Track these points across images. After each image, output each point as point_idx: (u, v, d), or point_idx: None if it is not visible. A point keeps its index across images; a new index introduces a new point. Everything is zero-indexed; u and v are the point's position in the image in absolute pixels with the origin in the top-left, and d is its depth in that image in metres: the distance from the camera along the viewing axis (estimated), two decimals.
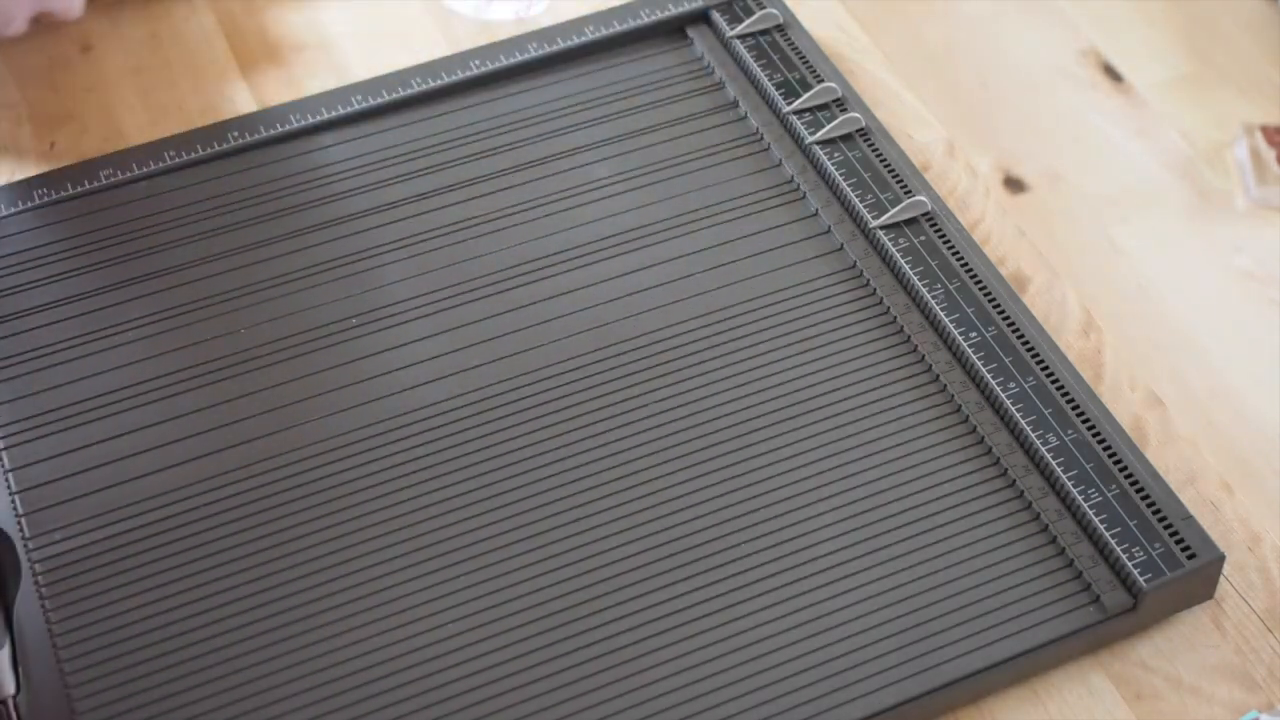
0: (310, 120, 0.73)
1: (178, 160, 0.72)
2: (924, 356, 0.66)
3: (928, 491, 0.62)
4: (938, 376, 0.65)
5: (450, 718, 0.56)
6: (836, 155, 0.72)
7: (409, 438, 0.63)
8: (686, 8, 0.77)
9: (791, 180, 0.72)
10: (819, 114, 0.73)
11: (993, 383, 0.64)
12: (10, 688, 0.57)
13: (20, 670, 0.58)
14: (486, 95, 0.75)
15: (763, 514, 0.61)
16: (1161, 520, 0.60)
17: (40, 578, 0.59)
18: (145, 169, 0.71)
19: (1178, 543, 0.60)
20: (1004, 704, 0.59)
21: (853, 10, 0.81)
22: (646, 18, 0.77)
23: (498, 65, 0.75)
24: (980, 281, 0.67)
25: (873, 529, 0.61)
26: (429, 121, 0.74)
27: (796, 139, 0.73)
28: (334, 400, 0.64)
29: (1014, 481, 0.62)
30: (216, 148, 0.72)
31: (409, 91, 0.74)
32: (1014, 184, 0.75)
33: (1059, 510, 0.61)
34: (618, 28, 0.77)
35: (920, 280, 0.67)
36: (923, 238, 0.69)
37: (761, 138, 0.73)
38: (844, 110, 0.73)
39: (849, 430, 0.64)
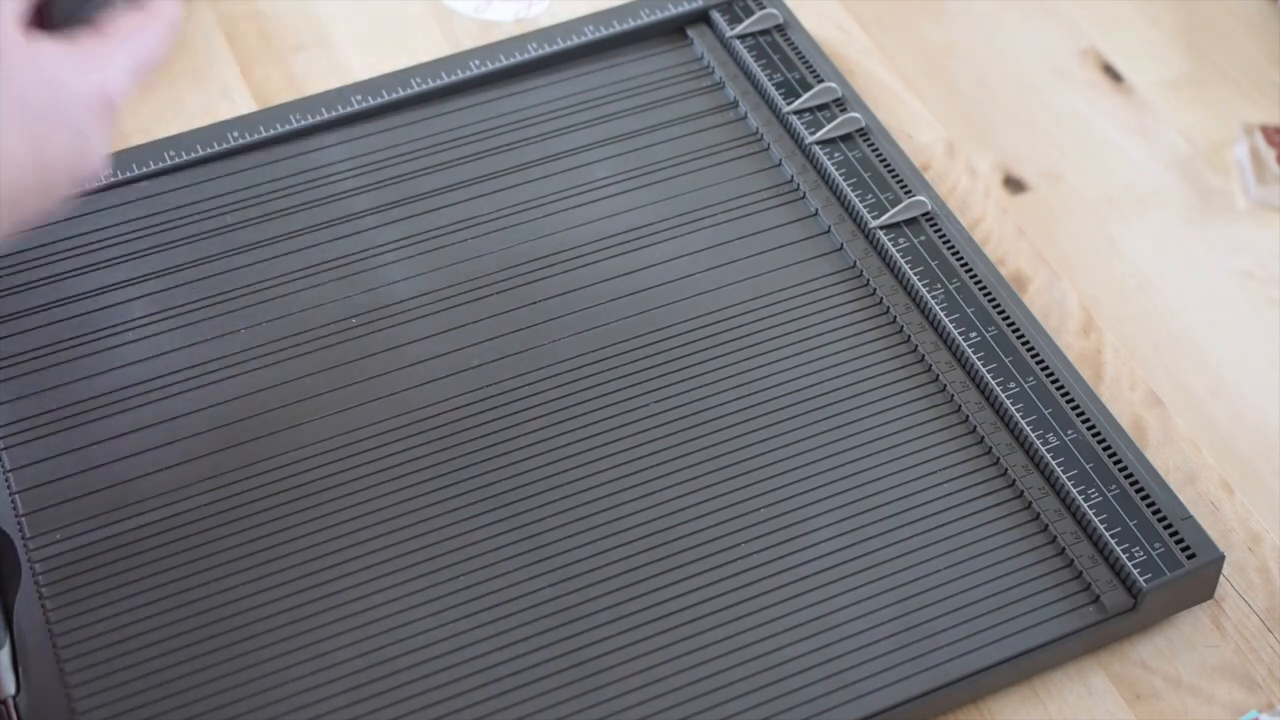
0: (310, 120, 0.73)
1: (178, 160, 0.72)
2: (924, 356, 0.66)
3: (928, 491, 0.62)
4: (938, 376, 0.65)
5: (451, 716, 0.56)
6: (836, 155, 0.72)
7: (409, 437, 0.63)
8: (686, 8, 0.77)
9: (791, 180, 0.72)
10: (819, 114, 0.73)
11: (993, 383, 0.64)
12: (10, 688, 0.57)
13: (20, 670, 0.58)
14: (486, 95, 0.75)
15: (763, 514, 0.61)
16: (1161, 520, 0.60)
17: (40, 578, 0.59)
18: (145, 169, 0.71)
19: (1178, 543, 0.60)
20: (1004, 704, 0.59)
21: (853, 10, 0.81)
22: (646, 18, 0.77)
23: (498, 65, 0.75)
24: (980, 281, 0.67)
25: (873, 529, 0.61)
26: (429, 121, 0.74)
27: (796, 139, 0.73)
28: (334, 400, 0.64)
29: (1014, 481, 0.62)
30: (216, 148, 0.72)
31: (409, 91, 0.74)
32: (1014, 184, 0.75)
33: (1059, 510, 0.61)
34: (618, 28, 0.77)
35: (920, 280, 0.67)
36: (923, 238, 0.69)
37: (761, 138, 0.73)
38: (844, 110, 0.73)
39: (849, 430, 0.64)
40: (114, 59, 0.53)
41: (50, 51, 0.51)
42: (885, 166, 0.71)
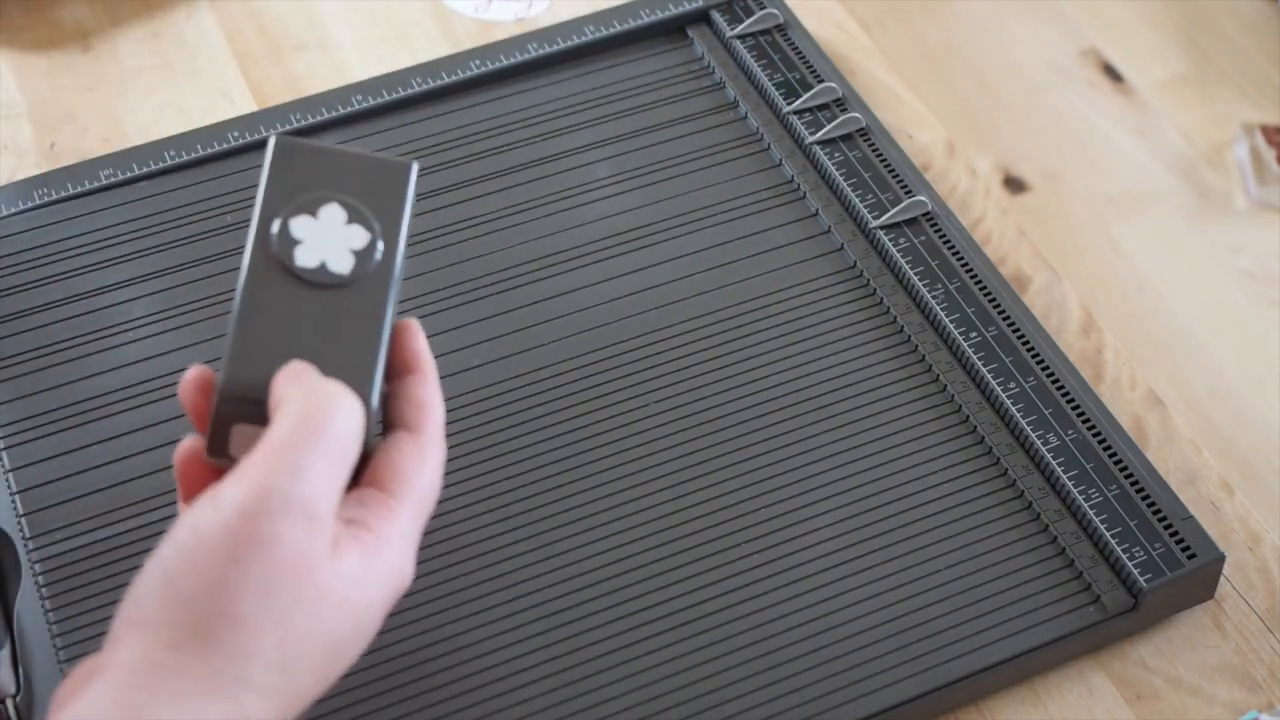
0: (310, 120, 0.73)
1: (178, 160, 0.72)
2: (924, 356, 0.66)
3: (928, 491, 0.62)
4: (938, 376, 0.65)
5: (451, 716, 0.56)
6: (836, 155, 0.72)
7: None
8: (686, 8, 0.77)
9: (791, 180, 0.72)
10: (819, 114, 0.73)
11: (993, 383, 0.64)
12: (10, 688, 0.57)
13: (20, 670, 0.58)
14: (486, 95, 0.75)
15: (763, 514, 0.61)
16: (1161, 520, 0.60)
17: (40, 578, 0.59)
18: (145, 169, 0.71)
19: (1178, 543, 0.60)
20: (1004, 704, 0.59)
21: (853, 10, 0.81)
22: (646, 18, 0.77)
23: (498, 65, 0.75)
24: (980, 281, 0.67)
25: (873, 529, 0.61)
26: (429, 121, 0.74)
27: (796, 139, 0.73)
28: None
29: (1014, 481, 0.62)
30: (216, 148, 0.72)
31: (409, 91, 0.74)
32: (1014, 184, 0.75)
33: (1059, 510, 0.61)
34: (618, 28, 0.77)
35: (920, 280, 0.67)
36: (923, 238, 0.69)
37: (761, 138, 0.73)
38: (844, 110, 0.73)
39: (849, 430, 0.64)
40: (408, 541, 0.50)
41: (351, 562, 0.47)
42: (885, 166, 0.71)
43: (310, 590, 0.46)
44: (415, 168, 0.54)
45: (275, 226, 0.52)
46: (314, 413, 0.47)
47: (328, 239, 0.52)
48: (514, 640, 0.58)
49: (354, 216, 0.52)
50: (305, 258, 0.51)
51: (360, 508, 0.49)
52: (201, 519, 0.46)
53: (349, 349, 0.51)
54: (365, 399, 0.50)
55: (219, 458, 0.51)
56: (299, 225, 0.52)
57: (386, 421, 0.52)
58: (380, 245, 0.52)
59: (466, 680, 0.57)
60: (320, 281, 0.51)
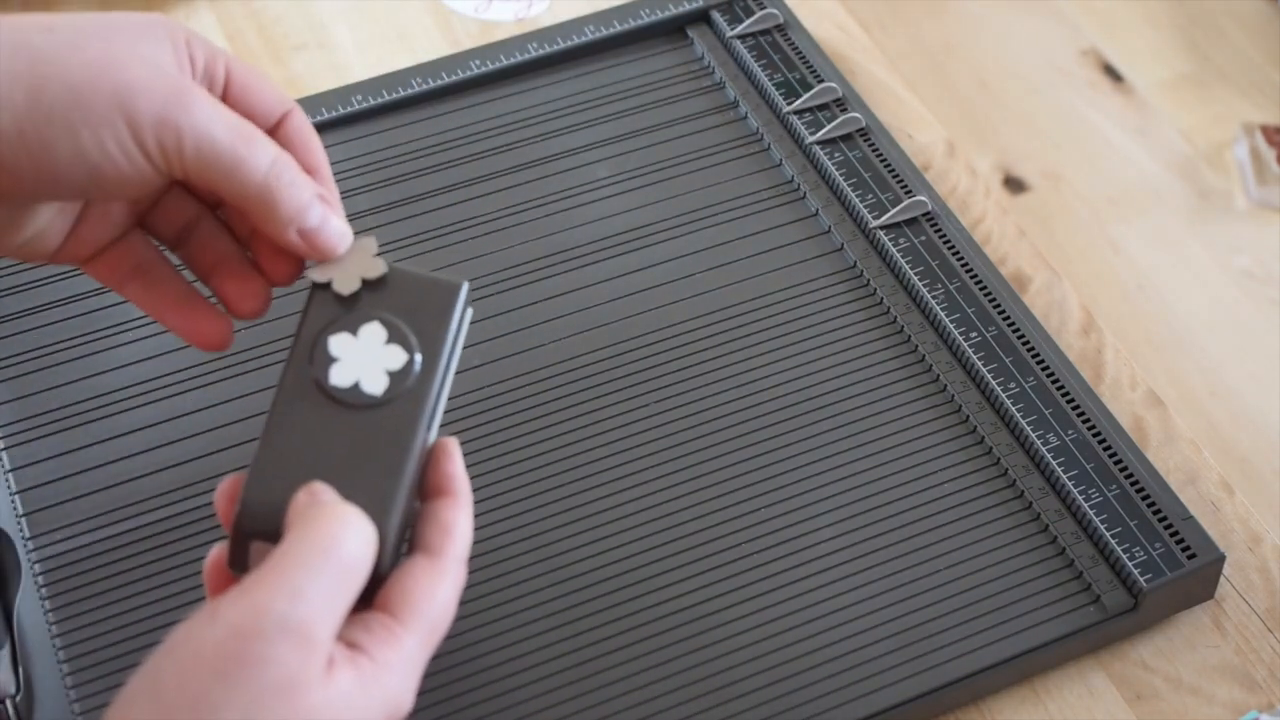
0: (310, 120, 0.73)
1: None
2: (924, 357, 0.66)
3: (928, 492, 0.62)
4: (938, 377, 0.65)
5: (451, 716, 0.56)
6: (836, 155, 0.72)
7: None
8: (686, 8, 0.77)
9: (791, 180, 0.72)
10: (819, 114, 0.73)
11: (993, 383, 0.64)
12: (10, 688, 0.57)
13: (20, 670, 0.58)
14: (486, 95, 0.75)
15: (763, 514, 0.61)
16: (1162, 520, 0.60)
17: (40, 578, 0.59)
18: None
19: (1178, 543, 0.60)
20: (1004, 704, 0.59)
21: (853, 10, 0.81)
22: (646, 18, 0.77)
23: (498, 65, 0.75)
24: (980, 281, 0.67)
25: (873, 529, 0.61)
26: (429, 121, 0.74)
27: (796, 139, 0.73)
28: None
29: (1014, 481, 0.62)
30: None
31: (409, 91, 0.74)
32: (1014, 184, 0.75)
33: (1059, 510, 0.61)
34: (618, 28, 0.77)
35: (920, 280, 0.67)
36: (923, 238, 0.69)
37: (761, 138, 0.73)
38: (844, 110, 0.73)
39: (849, 430, 0.64)
40: (409, 669, 0.48)
41: (344, 685, 0.46)
42: (885, 166, 0.71)
43: (296, 714, 0.45)
44: (466, 287, 0.52)
45: (314, 343, 0.51)
46: (322, 536, 0.47)
47: (364, 358, 0.51)
48: (514, 640, 0.58)
49: (394, 336, 0.51)
50: (339, 377, 0.51)
51: (363, 632, 0.48)
52: (198, 630, 0.46)
53: (372, 472, 0.50)
54: (381, 524, 0.49)
55: (238, 570, 0.50)
56: (337, 343, 0.51)
57: (411, 542, 0.51)
58: (418, 366, 0.51)
59: (466, 680, 0.57)
60: (352, 401, 0.51)
